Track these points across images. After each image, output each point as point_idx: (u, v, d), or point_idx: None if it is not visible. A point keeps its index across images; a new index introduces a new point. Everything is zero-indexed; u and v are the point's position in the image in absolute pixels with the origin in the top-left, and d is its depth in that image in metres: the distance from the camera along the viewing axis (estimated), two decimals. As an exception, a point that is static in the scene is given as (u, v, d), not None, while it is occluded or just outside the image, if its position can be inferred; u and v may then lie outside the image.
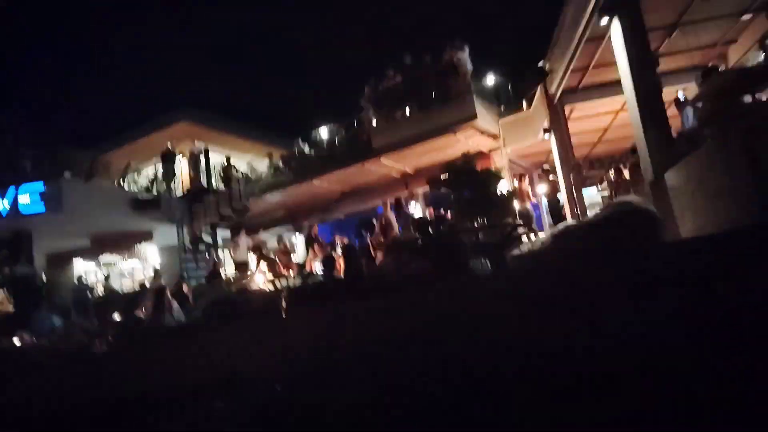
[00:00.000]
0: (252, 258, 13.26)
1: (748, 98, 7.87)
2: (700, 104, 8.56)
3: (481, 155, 15.09)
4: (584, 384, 2.64)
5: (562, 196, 13.47)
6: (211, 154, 18.73)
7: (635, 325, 3.18)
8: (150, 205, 16.33)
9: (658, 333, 2.94)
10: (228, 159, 18.65)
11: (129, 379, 6.96)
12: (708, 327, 2.85)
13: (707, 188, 6.53)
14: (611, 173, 13.73)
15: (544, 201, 14.93)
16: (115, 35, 49.87)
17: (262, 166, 19.39)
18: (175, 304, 8.54)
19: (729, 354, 2.49)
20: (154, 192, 17.88)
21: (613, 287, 4.20)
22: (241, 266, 13.50)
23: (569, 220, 11.09)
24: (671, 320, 3.01)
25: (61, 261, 17.66)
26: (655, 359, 2.64)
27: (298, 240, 19.56)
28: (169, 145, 18.72)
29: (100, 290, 17.15)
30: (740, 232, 5.27)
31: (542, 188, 14.66)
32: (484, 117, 14.37)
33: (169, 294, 8.97)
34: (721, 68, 10.91)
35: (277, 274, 11.22)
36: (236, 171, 18.35)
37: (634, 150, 10.58)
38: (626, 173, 12.42)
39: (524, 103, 15.24)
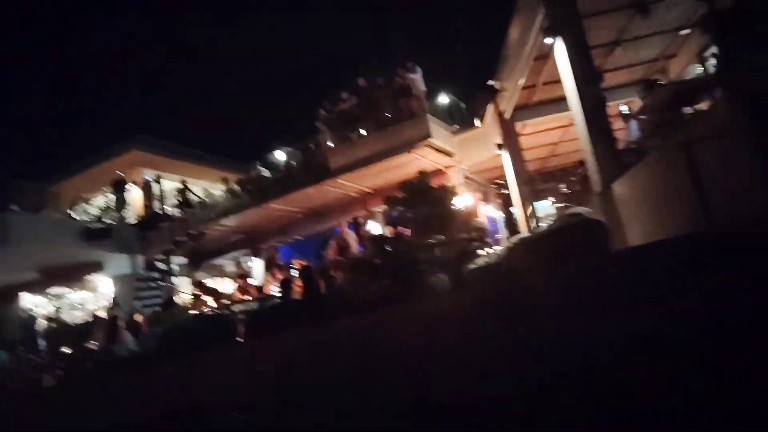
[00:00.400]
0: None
1: (688, 110, 8.22)
2: (643, 117, 8.87)
3: (437, 172, 15.24)
4: (538, 394, 2.67)
5: (517, 210, 13.71)
6: (164, 181, 18.41)
7: (584, 330, 3.24)
8: (101, 234, 15.88)
9: (605, 337, 3.00)
10: (184, 182, 18.32)
11: (80, 413, 6.72)
12: (655, 330, 2.93)
13: (652, 198, 6.76)
14: (563, 186, 14.05)
15: (500, 215, 15.14)
16: (62, 64, 48.80)
17: (217, 191, 19.15)
18: (127, 335, 8.29)
19: (676, 354, 2.55)
20: (106, 221, 17.40)
21: (564, 295, 4.28)
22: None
23: (524, 233, 11.29)
24: (618, 324, 3.09)
25: (7, 295, 16.97)
26: (604, 362, 2.70)
27: (256, 264, 19.32)
28: (120, 173, 18.32)
29: (49, 323, 16.53)
30: (683, 240, 5.46)
31: (496, 203, 14.87)
32: (439, 135, 14.57)
33: (121, 324, 8.71)
34: (662, 82, 11.33)
35: (221, 300, 11.00)
36: (192, 194, 18.05)
37: (583, 162, 10.88)
38: (577, 185, 12.72)
39: (477, 121, 15.53)
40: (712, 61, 9.06)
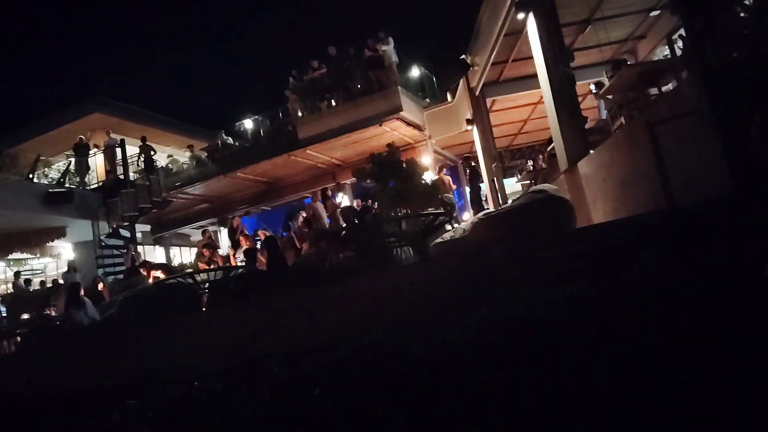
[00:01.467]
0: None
1: (653, 90, 8.33)
2: (609, 96, 8.96)
3: (407, 146, 15.26)
4: (495, 366, 2.71)
5: (484, 185, 13.80)
6: (128, 146, 17.95)
7: (546, 305, 3.29)
8: (62, 199, 15.43)
9: (565, 312, 3.05)
10: (144, 139, 17.74)
11: (38, 379, 6.61)
12: (614, 307, 2.98)
13: (616, 176, 6.86)
14: (530, 163, 14.18)
15: (467, 190, 15.20)
16: (23, 21, 46.87)
17: (183, 158, 18.80)
18: (89, 302, 8.13)
19: (634, 331, 2.60)
20: (67, 186, 16.93)
21: (527, 269, 4.34)
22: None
23: (490, 208, 11.40)
24: (578, 300, 3.14)
25: (-35, 260, 16.52)
26: (563, 338, 2.74)
27: (223, 233, 19.15)
28: (82, 136, 17.80)
29: (8, 289, 16.15)
30: (645, 217, 5.57)
31: (465, 179, 14.89)
32: (410, 108, 14.52)
33: (82, 291, 8.54)
34: (630, 62, 11.44)
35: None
36: (154, 152, 17.58)
37: (551, 140, 10.97)
38: (544, 163, 12.85)
39: (448, 95, 15.51)
40: (680, 44, 9.16)
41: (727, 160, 4.70)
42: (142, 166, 17.36)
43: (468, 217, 12.91)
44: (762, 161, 4.37)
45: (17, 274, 16.34)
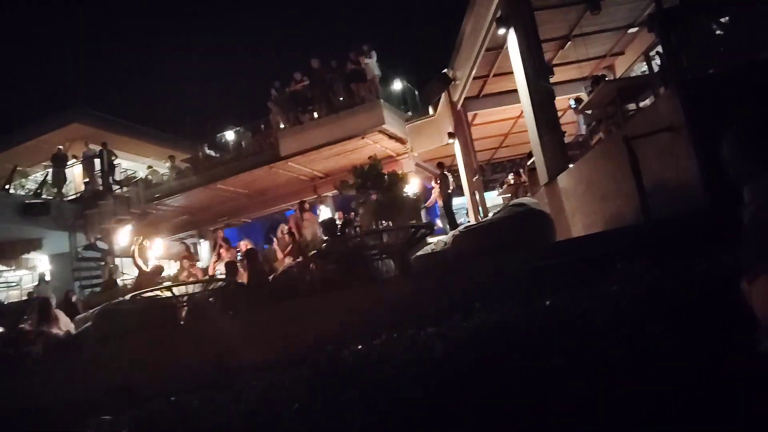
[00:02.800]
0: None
1: (632, 106, 8.46)
2: (588, 111, 9.08)
3: (389, 159, 15.28)
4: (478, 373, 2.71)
5: (466, 199, 13.86)
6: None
7: (526, 317, 3.30)
8: (39, 210, 15.16)
9: (545, 324, 3.06)
10: (104, 144, 17.43)
11: (12, 394, 6.47)
12: (593, 318, 3.00)
13: (595, 191, 6.93)
14: (511, 176, 14.28)
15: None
16: (3, 31, 46.34)
17: (163, 169, 18.62)
18: (62, 316, 7.98)
19: (612, 341, 2.62)
20: (44, 197, 16.66)
21: (507, 282, 4.36)
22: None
23: (470, 221, 11.45)
24: (557, 312, 3.16)
25: (-64, 272, 16.14)
26: (542, 349, 2.74)
27: (203, 246, 18.95)
28: (61, 147, 17.56)
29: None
30: (622, 230, 5.63)
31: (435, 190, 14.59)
32: (392, 121, 14.58)
33: (53, 305, 8.38)
34: (608, 78, 11.63)
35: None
36: (115, 157, 17.33)
37: (531, 154, 11.08)
38: (524, 176, 12.95)
39: (430, 109, 15.61)
40: (658, 60, 9.33)
41: (702, 174, 4.78)
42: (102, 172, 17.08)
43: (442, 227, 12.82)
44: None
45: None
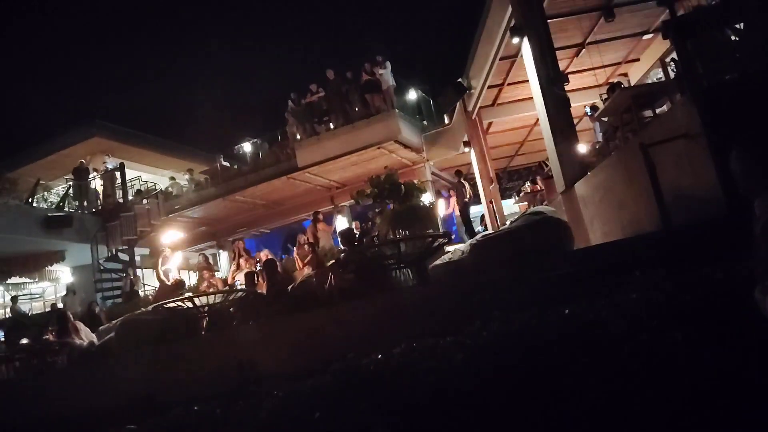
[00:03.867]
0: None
1: (648, 113, 8.43)
2: (605, 119, 9.06)
3: (405, 168, 15.34)
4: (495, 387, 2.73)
5: (482, 207, 13.85)
6: (127, 170, 18.02)
7: (544, 326, 3.32)
8: (62, 223, 15.43)
9: (563, 332, 3.08)
10: (122, 165, 17.80)
11: (38, 404, 6.60)
12: (611, 326, 3.01)
13: (612, 198, 6.92)
14: (527, 184, 14.25)
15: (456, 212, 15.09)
16: (23, 45, 47.37)
17: (182, 181, 18.87)
18: (82, 327, 8.12)
19: (630, 350, 2.63)
20: (66, 210, 16.95)
21: (525, 291, 4.37)
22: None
23: (488, 230, 11.44)
24: (575, 320, 3.17)
25: (-37, 284, 16.47)
26: (561, 358, 2.76)
27: (222, 256, 19.12)
28: (83, 160, 17.89)
29: (7, 313, 16.09)
30: (640, 238, 5.62)
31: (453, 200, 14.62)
32: (407, 131, 14.64)
33: (71, 317, 8.52)
34: (624, 85, 11.59)
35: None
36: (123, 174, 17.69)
37: (547, 162, 11.07)
38: (541, 184, 12.93)
39: (445, 118, 15.65)
40: (673, 66, 9.29)
41: (720, 181, 4.76)
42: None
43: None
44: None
45: (14, 299, 16.29)
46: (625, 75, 12.88)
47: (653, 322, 2.59)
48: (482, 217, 14.60)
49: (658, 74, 11.99)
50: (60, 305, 14.24)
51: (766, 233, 1.60)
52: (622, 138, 8.17)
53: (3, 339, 13.60)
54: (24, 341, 11.06)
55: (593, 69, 11.76)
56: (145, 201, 17.17)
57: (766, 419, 1.75)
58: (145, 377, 6.03)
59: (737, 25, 5.96)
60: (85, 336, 8.03)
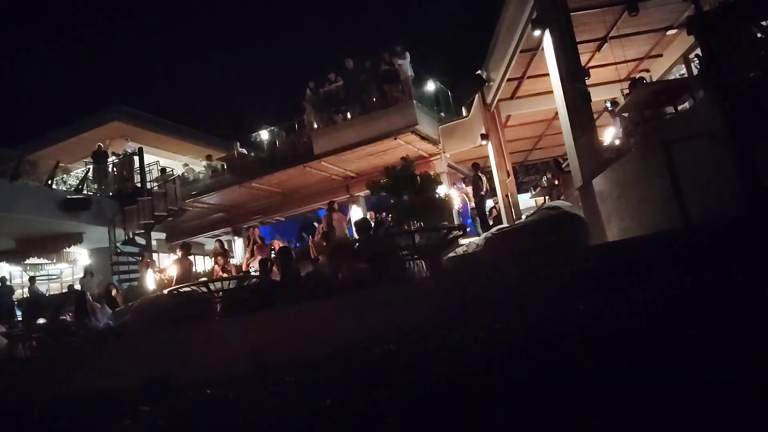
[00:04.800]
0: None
1: (669, 109, 8.32)
2: (625, 114, 8.96)
3: (421, 160, 15.30)
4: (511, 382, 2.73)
5: (498, 200, 13.79)
6: (146, 155, 18.17)
7: (559, 321, 3.31)
8: (80, 205, 15.63)
9: (578, 328, 3.07)
10: (141, 150, 18.03)
11: (54, 384, 6.71)
12: (627, 323, 2.99)
13: (631, 195, 6.85)
14: (544, 179, 14.16)
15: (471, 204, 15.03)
16: (44, 29, 47.80)
17: (200, 167, 19.01)
18: (104, 308, 8.24)
19: (646, 347, 2.62)
20: (85, 192, 17.16)
21: (540, 285, 4.36)
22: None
23: (503, 224, 11.39)
24: (591, 316, 3.16)
25: (-17, 264, 16.76)
26: (576, 354, 2.75)
27: (237, 243, 19.26)
28: (101, 144, 18.08)
29: (25, 293, 16.37)
30: (658, 236, 5.56)
31: (468, 191, 14.57)
32: (425, 123, 14.59)
33: (89, 298, 8.64)
34: (646, 80, 11.44)
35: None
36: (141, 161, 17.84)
37: (566, 157, 10.97)
38: (558, 179, 12.84)
39: (463, 110, 15.57)
40: (697, 63, 9.15)
41: (742, 181, 4.69)
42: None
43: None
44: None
45: (32, 279, 16.56)
46: (647, 71, 12.69)
47: (670, 321, 2.57)
48: (489, 210, 14.49)
49: (680, 71, 11.82)
50: (77, 287, 14.43)
51: None
52: (643, 134, 8.08)
53: (21, 319, 13.84)
54: (41, 321, 11.26)
55: (615, 64, 11.61)
56: (156, 186, 17.34)
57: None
58: (159, 360, 6.11)
59: (763, 22, 5.85)
60: (102, 317, 8.14)
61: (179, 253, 11.62)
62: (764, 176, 4.12)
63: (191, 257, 12.23)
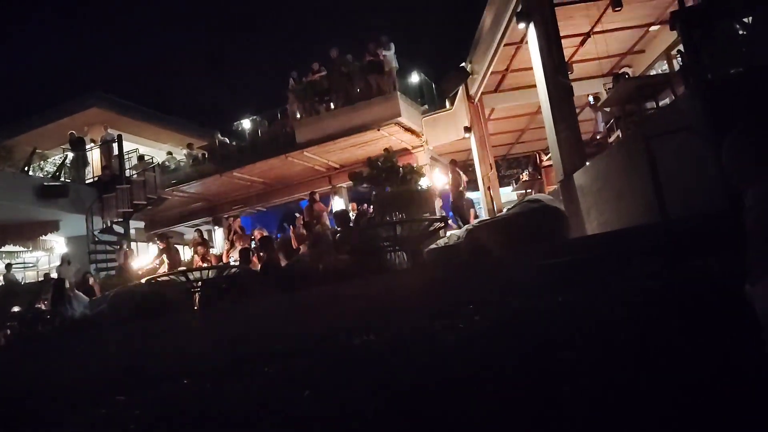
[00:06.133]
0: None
1: (651, 104, 8.39)
2: (607, 109, 9.01)
3: (404, 151, 15.28)
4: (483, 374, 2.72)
5: (480, 193, 13.82)
6: (125, 142, 17.88)
7: (538, 313, 3.31)
8: (57, 192, 15.33)
9: (556, 320, 3.07)
10: (120, 137, 17.55)
11: (27, 373, 6.58)
12: (605, 314, 3.00)
13: (611, 188, 6.89)
14: (526, 172, 14.22)
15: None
16: (21, 12, 46.81)
17: (180, 156, 18.78)
18: (80, 296, 8.11)
19: (624, 338, 2.62)
20: (62, 180, 16.85)
21: (520, 277, 4.36)
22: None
23: (483, 216, 11.41)
24: (568, 306, 3.17)
25: (-44, 251, 16.41)
26: (554, 344, 2.76)
27: (217, 233, 19.10)
28: (79, 131, 17.76)
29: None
30: (638, 229, 5.60)
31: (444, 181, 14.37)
32: (408, 114, 14.56)
33: (68, 286, 8.51)
34: (628, 76, 11.51)
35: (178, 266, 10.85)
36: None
37: (548, 150, 11.02)
38: (540, 173, 12.90)
39: (447, 102, 15.56)
40: (679, 59, 9.22)
41: (722, 176, 4.72)
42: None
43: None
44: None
45: (8, 267, 16.25)
46: (630, 66, 12.77)
47: (648, 312, 2.58)
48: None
49: (662, 66, 11.91)
50: (54, 275, 14.19)
51: (758, 224, 1.59)
52: (624, 129, 8.13)
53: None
54: (15, 309, 11.06)
55: (598, 59, 11.67)
56: (135, 174, 17.09)
57: (759, 413, 1.74)
58: (136, 349, 6.02)
59: (745, 19, 5.90)
60: (78, 305, 8.01)
61: (161, 245, 11.52)
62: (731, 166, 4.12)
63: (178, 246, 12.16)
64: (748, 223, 1.65)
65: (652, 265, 3.53)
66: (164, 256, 11.67)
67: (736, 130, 1.77)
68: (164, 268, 10.84)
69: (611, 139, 8.69)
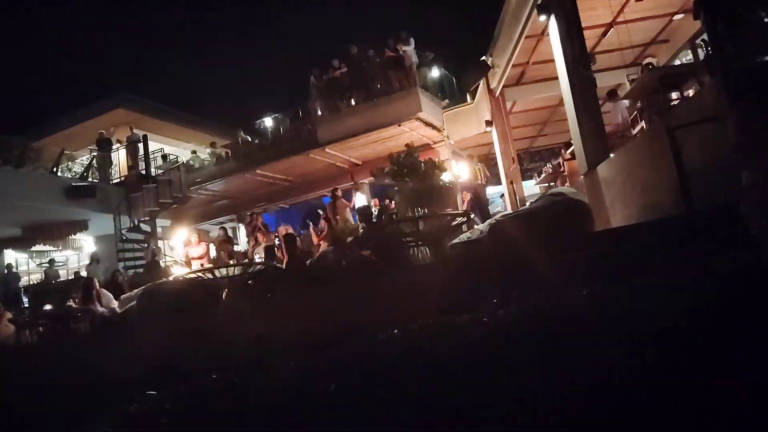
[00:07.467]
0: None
1: (675, 95, 8.27)
2: (630, 100, 8.91)
3: (426, 146, 15.27)
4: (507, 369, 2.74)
5: (503, 187, 13.76)
6: (150, 142, 18.19)
7: (562, 307, 3.32)
8: (85, 192, 15.69)
9: (581, 315, 3.08)
10: (145, 138, 18.00)
11: (60, 369, 6.76)
12: (630, 309, 3.00)
13: (635, 181, 6.83)
14: (549, 165, 14.12)
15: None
16: (50, 16, 47.69)
17: (204, 155, 19.03)
18: (107, 295, 8.29)
19: (649, 333, 2.62)
20: (90, 180, 17.21)
21: (544, 271, 4.37)
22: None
23: (505, 210, 11.37)
24: (592, 300, 3.17)
25: (-10, 251, 16.86)
26: (578, 340, 2.76)
27: (241, 230, 19.32)
28: (105, 131, 18.11)
29: (33, 280, 16.50)
30: (663, 222, 5.55)
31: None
32: (429, 109, 14.54)
33: (97, 284, 8.70)
34: (652, 66, 11.35)
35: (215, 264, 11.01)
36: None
37: (570, 143, 10.93)
38: (563, 166, 12.80)
39: (468, 96, 15.50)
40: (703, 48, 9.08)
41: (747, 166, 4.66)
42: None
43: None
44: None
45: (51, 262, 16.71)
46: (654, 56, 12.60)
47: (674, 307, 2.57)
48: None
49: (687, 56, 11.73)
50: (84, 273, 14.52)
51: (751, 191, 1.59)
52: (648, 120, 8.04)
53: (27, 305, 13.95)
54: (47, 307, 11.34)
55: (621, 49, 11.54)
56: (161, 173, 17.36)
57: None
58: (165, 345, 6.15)
59: (772, 7, 5.79)
60: (108, 303, 8.20)
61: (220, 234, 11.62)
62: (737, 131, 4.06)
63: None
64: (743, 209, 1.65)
65: (678, 257, 3.50)
66: (258, 234, 11.86)
67: (746, 97, 1.77)
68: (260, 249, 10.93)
69: (635, 131, 8.59)
